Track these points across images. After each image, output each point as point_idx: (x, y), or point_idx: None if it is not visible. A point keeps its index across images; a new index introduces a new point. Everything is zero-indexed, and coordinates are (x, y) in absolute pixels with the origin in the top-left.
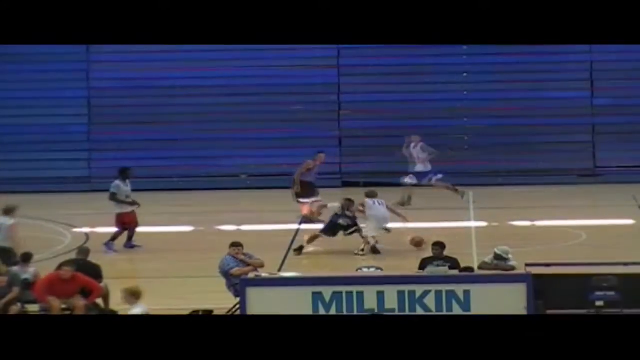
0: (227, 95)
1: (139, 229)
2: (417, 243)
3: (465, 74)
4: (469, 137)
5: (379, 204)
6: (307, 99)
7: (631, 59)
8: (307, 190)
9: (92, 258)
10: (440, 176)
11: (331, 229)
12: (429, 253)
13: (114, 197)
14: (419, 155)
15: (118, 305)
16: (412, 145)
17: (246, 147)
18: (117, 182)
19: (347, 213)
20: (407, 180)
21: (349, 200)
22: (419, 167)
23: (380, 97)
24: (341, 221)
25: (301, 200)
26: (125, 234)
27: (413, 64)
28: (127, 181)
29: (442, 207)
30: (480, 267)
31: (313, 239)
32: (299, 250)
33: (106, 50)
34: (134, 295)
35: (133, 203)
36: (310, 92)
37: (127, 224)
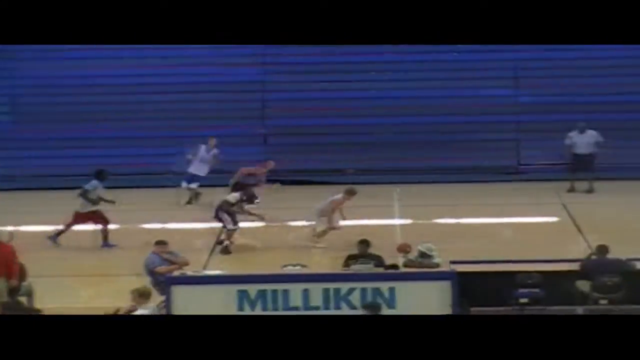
0: (152, 94)
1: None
2: (402, 248)
3: (390, 72)
4: (393, 135)
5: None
6: (232, 97)
7: (555, 57)
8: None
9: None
10: (194, 185)
11: (235, 219)
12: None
13: (84, 194)
14: (211, 160)
15: (42, 304)
16: (208, 147)
17: (172, 145)
18: (95, 182)
19: (244, 197)
20: (184, 184)
21: (246, 186)
22: (204, 170)
23: (305, 94)
24: (235, 207)
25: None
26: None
27: (338, 62)
28: (103, 182)
29: (366, 204)
30: (405, 265)
31: (229, 236)
32: (225, 250)
33: (33, 48)
34: (142, 296)
35: (97, 201)
36: (235, 90)
37: (102, 218)
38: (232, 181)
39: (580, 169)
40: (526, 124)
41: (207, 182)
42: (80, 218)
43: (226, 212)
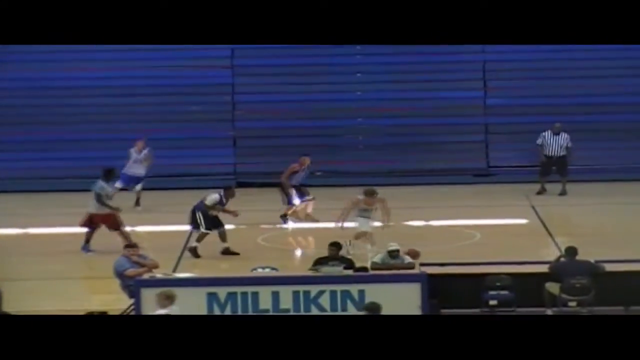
0: (121, 96)
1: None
2: (414, 254)
3: (359, 74)
4: (363, 137)
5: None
6: (201, 99)
7: (523, 59)
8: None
9: None
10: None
11: (209, 223)
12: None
13: (99, 199)
14: (144, 160)
15: (11, 307)
16: (138, 149)
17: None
18: (101, 182)
19: (223, 201)
20: (118, 184)
21: (228, 188)
22: (141, 170)
23: (275, 97)
24: (212, 211)
25: (290, 202)
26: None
27: (307, 64)
28: (110, 182)
29: (335, 207)
30: (372, 268)
31: (200, 239)
32: (194, 252)
33: (4, 50)
34: (168, 299)
35: (116, 209)
36: (204, 93)
37: (95, 223)
38: (283, 180)
39: (550, 171)
40: (495, 126)
41: (174, 185)
42: (95, 218)
43: (203, 214)
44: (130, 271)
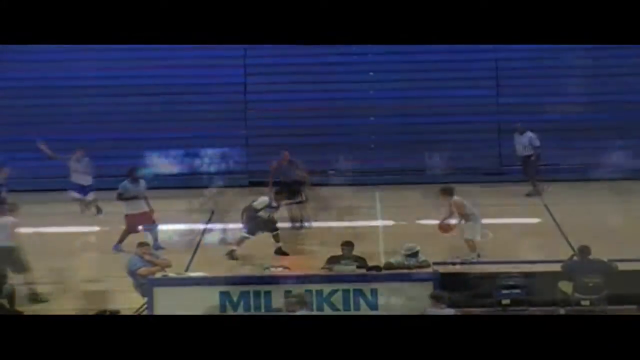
0: (134, 95)
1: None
2: (445, 229)
3: (371, 73)
4: (375, 136)
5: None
6: (213, 98)
7: (535, 57)
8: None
9: None
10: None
11: (253, 227)
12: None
13: (120, 197)
14: (85, 169)
15: (22, 305)
16: (77, 158)
17: (152, 147)
18: (125, 182)
19: (273, 204)
20: (75, 194)
21: (279, 192)
22: (87, 180)
23: (287, 96)
24: (261, 214)
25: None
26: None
27: (319, 63)
28: (141, 181)
29: (348, 206)
30: (385, 268)
31: (239, 242)
32: (230, 255)
33: (9, 49)
34: (297, 304)
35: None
36: (216, 92)
37: (130, 224)
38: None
39: (524, 171)
40: (508, 124)
41: (186, 184)
42: (130, 220)
43: (249, 217)
44: (143, 270)
